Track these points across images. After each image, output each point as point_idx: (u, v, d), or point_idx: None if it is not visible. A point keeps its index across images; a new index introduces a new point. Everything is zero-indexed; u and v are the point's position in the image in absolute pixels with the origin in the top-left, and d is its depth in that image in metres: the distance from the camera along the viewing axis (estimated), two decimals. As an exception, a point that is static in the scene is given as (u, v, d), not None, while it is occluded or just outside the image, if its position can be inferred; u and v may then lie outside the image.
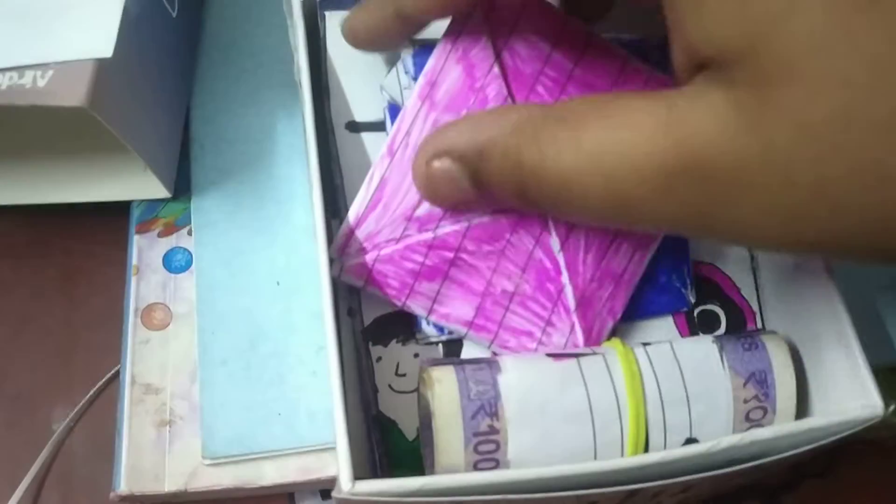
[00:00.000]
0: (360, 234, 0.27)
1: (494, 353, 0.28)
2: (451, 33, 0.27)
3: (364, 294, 0.28)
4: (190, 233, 0.34)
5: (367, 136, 0.30)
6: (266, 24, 0.39)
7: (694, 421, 0.25)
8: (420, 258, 0.27)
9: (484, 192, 0.24)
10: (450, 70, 0.27)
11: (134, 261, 0.34)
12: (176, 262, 0.34)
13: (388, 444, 0.28)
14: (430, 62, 0.27)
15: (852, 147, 0.17)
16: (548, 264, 0.28)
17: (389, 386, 0.29)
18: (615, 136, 0.20)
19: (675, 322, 0.31)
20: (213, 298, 0.33)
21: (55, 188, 0.35)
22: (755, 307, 0.31)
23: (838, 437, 0.25)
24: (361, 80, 0.31)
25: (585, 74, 0.28)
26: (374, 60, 0.31)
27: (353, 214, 0.27)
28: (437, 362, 0.26)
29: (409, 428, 0.28)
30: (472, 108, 0.27)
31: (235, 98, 0.37)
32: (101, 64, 0.29)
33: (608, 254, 0.28)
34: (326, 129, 0.29)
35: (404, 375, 0.29)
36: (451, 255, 0.27)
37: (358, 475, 0.22)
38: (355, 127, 0.31)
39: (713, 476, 0.24)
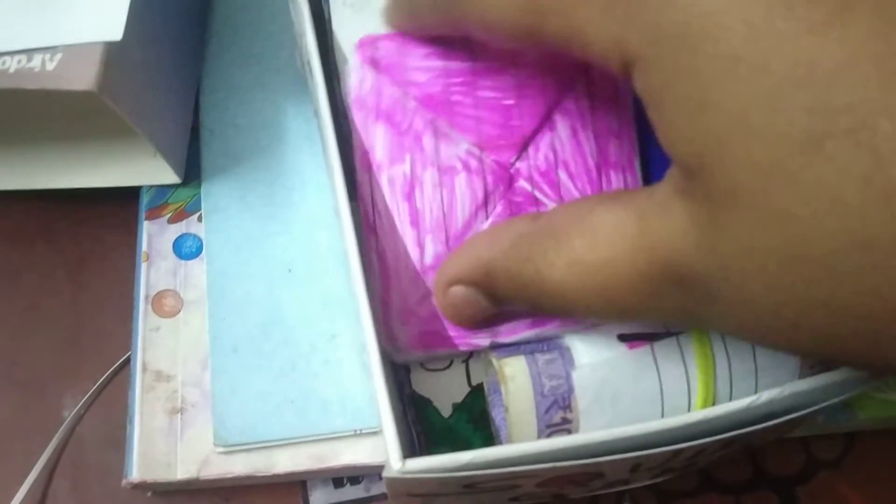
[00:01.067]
0: (395, 312, 0.27)
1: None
2: (356, 101, 0.27)
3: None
4: (200, 219, 0.34)
5: None
6: (275, 8, 0.38)
7: (759, 390, 0.25)
8: None
9: (501, 305, 0.25)
10: (373, 131, 0.27)
11: (144, 247, 0.33)
12: (186, 249, 0.34)
13: (424, 423, 0.28)
14: (355, 137, 0.27)
15: (799, 283, 0.17)
16: None
17: (421, 364, 0.29)
18: (597, 253, 0.21)
19: None
20: (224, 285, 0.33)
21: (63, 174, 0.35)
22: None
23: (872, 384, 0.25)
24: None
25: (486, 63, 0.28)
26: None
27: (378, 301, 0.27)
28: (507, 351, 0.26)
29: (445, 405, 0.28)
30: (412, 148, 0.27)
31: (245, 83, 0.36)
32: (110, 47, 0.28)
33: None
34: (338, 111, 0.28)
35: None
36: None
37: (404, 455, 0.22)
38: None
39: (756, 430, 0.24)
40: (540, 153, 0.28)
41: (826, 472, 0.35)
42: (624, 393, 0.25)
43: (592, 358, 0.25)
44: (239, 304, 0.32)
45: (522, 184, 0.28)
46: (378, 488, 0.33)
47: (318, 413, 0.31)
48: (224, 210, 0.34)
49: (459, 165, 0.27)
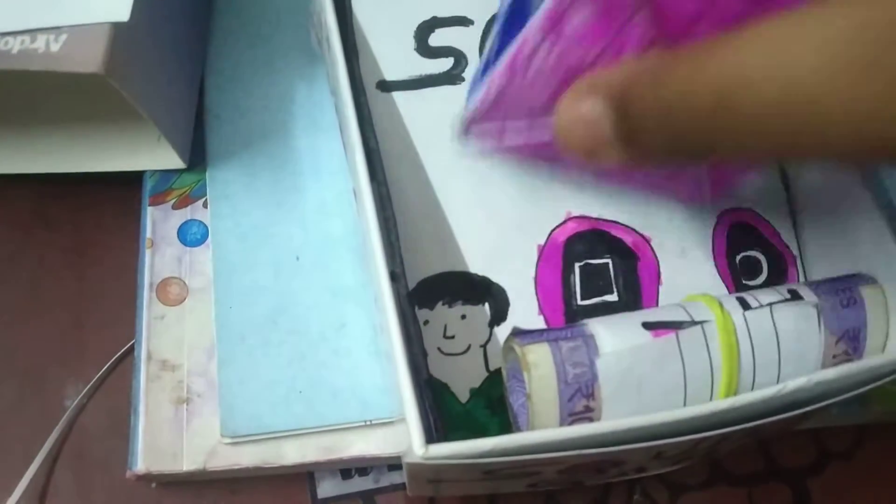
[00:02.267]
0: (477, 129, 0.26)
1: None
2: None
3: (407, 257, 0.27)
4: (205, 205, 0.33)
5: (398, 96, 0.30)
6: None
7: (781, 379, 0.25)
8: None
9: (627, 138, 0.21)
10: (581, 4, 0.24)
11: (148, 233, 0.33)
12: (191, 235, 0.33)
13: (441, 409, 0.28)
14: None
15: None
16: None
17: (438, 349, 0.28)
18: (796, 31, 0.17)
19: (716, 267, 0.30)
20: (230, 273, 0.32)
21: (64, 158, 0.34)
22: (795, 251, 0.31)
23: None
24: (389, 38, 0.30)
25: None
26: (403, 17, 0.30)
27: (469, 112, 0.26)
28: (530, 338, 0.25)
29: (462, 390, 0.28)
30: (609, 45, 0.24)
31: (251, 66, 0.36)
32: (117, 28, 0.27)
33: None
34: (357, 90, 0.28)
35: (452, 338, 0.28)
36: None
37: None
38: (386, 86, 0.30)
39: (780, 420, 0.23)
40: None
41: (838, 463, 0.34)
42: (648, 381, 0.24)
43: (617, 346, 0.24)
44: (246, 293, 0.32)
45: None
46: (387, 479, 0.33)
47: (328, 403, 0.30)
48: (230, 196, 0.33)
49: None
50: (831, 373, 0.23)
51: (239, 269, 0.32)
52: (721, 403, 0.22)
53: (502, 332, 0.29)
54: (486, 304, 0.29)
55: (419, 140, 0.30)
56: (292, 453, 0.30)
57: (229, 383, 0.30)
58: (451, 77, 0.30)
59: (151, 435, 0.30)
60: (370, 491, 0.33)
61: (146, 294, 0.32)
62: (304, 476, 0.33)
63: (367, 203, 0.24)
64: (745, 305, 0.26)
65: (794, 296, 0.26)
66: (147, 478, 0.30)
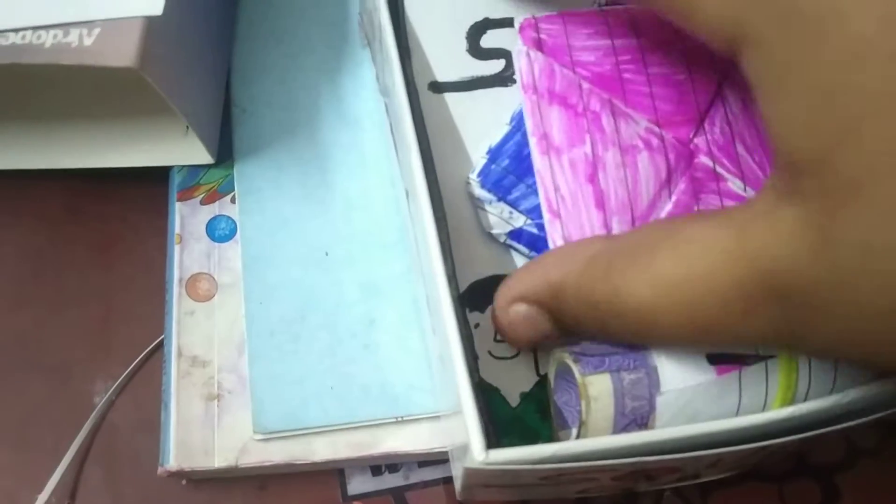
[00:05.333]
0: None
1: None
2: (526, 87, 0.27)
3: (457, 259, 0.28)
4: (233, 200, 0.33)
5: (450, 97, 0.30)
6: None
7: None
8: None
9: (564, 328, 0.25)
10: (548, 115, 0.27)
11: (177, 229, 0.32)
12: (220, 231, 0.33)
13: (492, 413, 0.27)
14: (529, 122, 0.27)
15: None
16: None
17: (489, 353, 0.28)
18: (688, 269, 0.20)
19: None
20: (259, 268, 0.32)
21: (91, 153, 0.34)
22: None
23: None
24: (441, 39, 0.30)
25: (652, 38, 0.28)
26: (455, 18, 0.30)
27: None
28: (591, 366, 0.24)
29: (512, 394, 0.28)
30: (591, 128, 0.27)
31: (277, 61, 0.35)
32: (150, 22, 0.27)
33: None
34: (411, 91, 0.28)
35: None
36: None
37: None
38: (438, 87, 0.30)
39: (837, 430, 0.23)
40: (716, 127, 0.28)
41: (867, 460, 0.34)
42: (702, 413, 0.24)
43: (679, 384, 0.24)
44: (275, 288, 0.32)
45: (703, 159, 0.28)
46: (417, 476, 0.33)
47: (358, 399, 0.30)
48: (258, 191, 0.33)
49: (641, 144, 0.27)
50: (890, 384, 0.23)
51: (267, 264, 0.32)
52: (782, 412, 0.22)
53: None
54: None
55: (469, 140, 0.30)
56: (323, 449, 0.30)
57: (260, 379, 0.30)
58: (503, 79, 0.30)
59: (183, 431, 0.30)
60: (400, 488, 0.32)
61: (175, 289, 0.32)
62: (335, 472, 0.32)
63: (424, 204, 0.24)
64: None
65: None
66: (179, 474, 0.30)
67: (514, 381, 0.28)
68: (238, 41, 0.36)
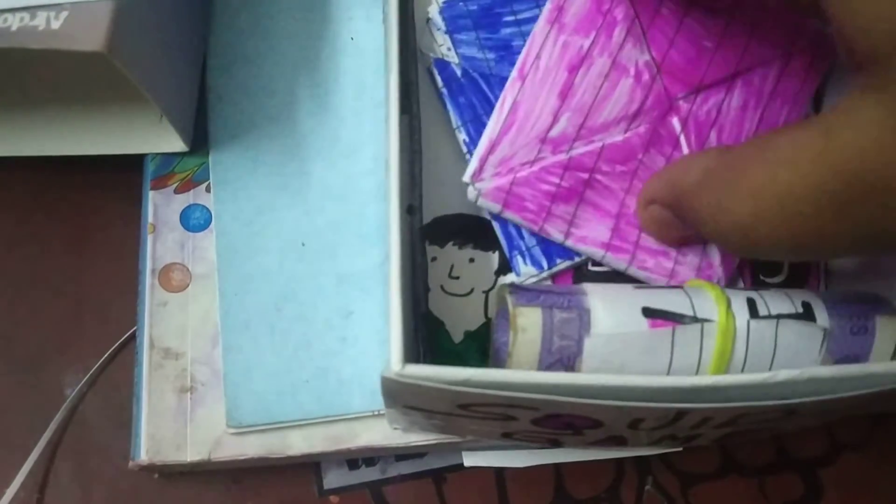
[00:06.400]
0: (495, 158, 0.28)
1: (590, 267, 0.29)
2: None
3: (428, 192, 0.29)
4: (208, 189, 0.32)
5: (444, 35, 0.31)
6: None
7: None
8: (556, 179, 0.28)
9: (692, 230, 0.26)
10: None
11: (150, 218, 0.32)
12: (194, 220, 0.32)
13: (433, 344, 0.28)
14: None
15: None
16: None
17: (441, 287, 0.29)
18: (777, 180, 0.21)
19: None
20: (234, 259, 0.31)
21: (62, 140, 0.33)
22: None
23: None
24: None
25: None
26: None
27: (486, 139, 0.28)
28: (525, 298, 0.25)
29: (457, 330, 0.28)
30: (601, 29, 0.28)
31: (254, 47, 0.35)
32: (119, 5, 0.26)
33: None
34: (406, 22, 0.28)
35: (457, 278, 0.29)
36: (586, 175, 0.28)
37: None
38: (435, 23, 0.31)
39: (763, 407, 0.23)
40: (706, 106, 0.28)
41: (850, 454, 0.34)
42: (630, 367, 0.24)
43: (610, 329, 0.24)
44: (250, 279, 0.31)
45: (675, 122, 0.28)
46: (394, 470, 0.32)
47: (335, 393, 0.30)
48: (234, 180, 0.32)
49: (632, 70, 0.28)
50: (825, 370, 0.22)
51: (243, 254, 0.31)
52: (704, 379, 0.22)
53: (506, 281, 0.29)
54: (497, 253, 0.29)
55: None
56: (299, 443, 0.29)
57: (234, 372, 0.30)
58: None
59: (154, 425, 0.29)
60: (377, 482, 0.32)
61: (148, 280, 0.31)
62: (311, 466, 0.32)
63: (392, 127, 0.25)
64: (754, 311, 0.25)
65: (807, 311, 0.26)
66: (150, 468, 0.29)
67: (462, 319, 0.28)
68: (214, 27, 0.35)
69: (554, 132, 0.28)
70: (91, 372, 0.32)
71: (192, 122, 0.33)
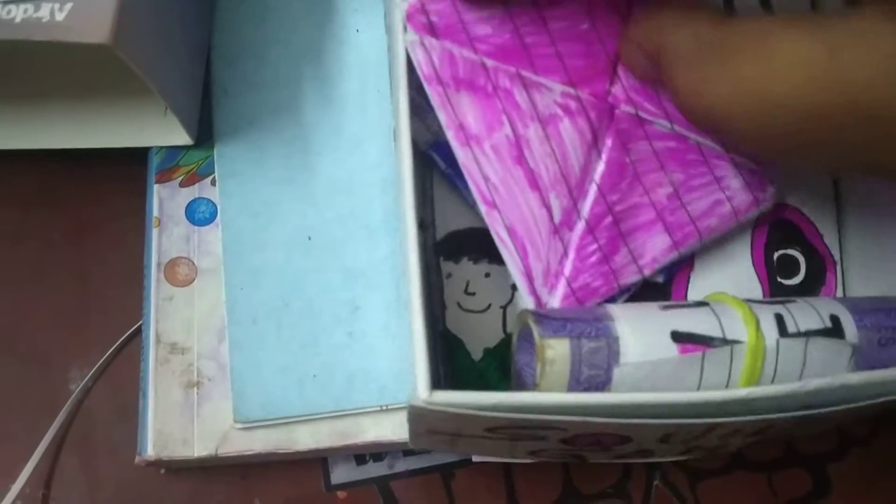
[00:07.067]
0: (538, 281, 0.27)
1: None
2: (429, 78, 0.25)
3: (441, 207, 0.28)
4: (213, 182, 0.32)
5: None
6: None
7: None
8: (594, 246, 0.27)
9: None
10: (459, 103, 0.26)
11: (155, 212, 0.31)
12: (199, 214, 0.32)
13: (452, 363, 0.27)
14: (441, 115, 0.26)
15: None
16: (675, 145, 0.28)
17: (458, 304, 0.28)
18: (770, 84, 0.20)
19: (752, 260, 0.29)
20: (240, 253, 0.31)
21: (67, 133, 0.32)
22: (836, 256, 0.30)
23: None
24: None
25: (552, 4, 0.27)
26: None
27: (518, 274, 0.26)
28: (551, 328, 0.24)
29: (476, 348, 0.28)
30: (505, 107, 0.26)
31: (259, 39, 0.34)
32: (124, -4, 0.26)
33: None
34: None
35: (473, 294, 0.28)
36: (609, 218, 0.27)
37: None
38: None
39: (795, 417, 0.23)
40: (631, 78, 0.27)
41: (858, 450, 0.34)
42: (660, 388, 0.24)
43: (639, 357, 0.24)
44: (257, 274, 0.31)
45: (624, 108, 0.27)
46: (402, 465, 0.32)
47: (342, 388, 0.30)
48: (239, 174, 0.32)
49: (560, 111, 0.26)
50: (856, 377, 0.22)
51: (249, 248, 0.31)
52: (736, 392, 0.21)
53: (523, 295, 0.28)
54: None
55: None
56: (306, 439, 0.29)
57: (241, 367, 0.30)
58: None
59: (161, 420, 0.29)
60: (384, 477, 0.32)
61: (154, 274, 0.31)
62: (318, 462, 0.32)
63: (404, 143, 0.24)
64: (783, 328, 0.24)
65: (836, 326, 0.25)
66: (157, 464, 0.29)
67: (480, 336, 0.28)
68: (219, 19, 0.35)
69: (556, 217, 0.27)
70: (97, 366, 0.32)
71: (197, 116, 0.33)
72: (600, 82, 0.27)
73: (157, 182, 0.32)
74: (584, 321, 0.24)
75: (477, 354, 0.28)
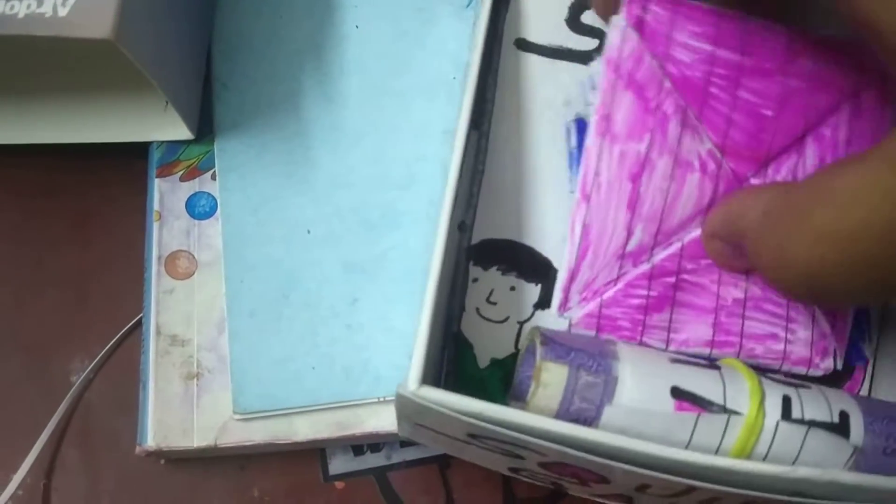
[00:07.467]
0: (578, 285, 0.27)
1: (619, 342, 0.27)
2: (610, 62, 0.26)
3: (482, 213, 0.28)
4: (214, 177, 0.32)
5: (532, 58, 0.30)
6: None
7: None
8: (644, 291, 0.27)
9: (746, 262, 0.26)
10: (620, 99, 0.26)
11: (156, 206, 0.32)
12: (200, 208, 0.32)
13: (458, 365, 0.27)
14: (599, 97, 0.26)
15: None
16: None
17: (477, 309, 0.28)
18: (845, 216, 0.19)
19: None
20: (240, 246, 0.31)
21: (68, 128, 0.33)
22: (868, 354, 0.29)
23: None
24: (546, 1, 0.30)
25: (755, 62, 0.26)
26: None
27: (565, 267, 0.27)
28: (555, 352, 0.24)
29: (484, 355, 0.28)
30: (655, 129, 0.26)
31: (259, 35, 0.35)
32: (126, -8, 0.27)
33: None
34: (493, 40, 0.27)
35: (495, 304, 0.28)
36: (672, 279, 0.27)
37: (424, 381, 0.22)
38: (524, 45, 0.30)
39: (778, 501, 0.22)
40: (779, 176, 0.27)
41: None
42: (647, 440, 0.23)
43: (633, 402, 0.23)
44: (256, 267, 0.31)
45: None
46: (399, 456, 0.32)
47: (340, 379, 0.30)
48: (239, 168, 0.32)
49: (697, 163, 0.26)
50: (848, 477, 0.22)
51: (249, 242, 0.31)
52: (721, 460, 0.21)
53: (543, 316, 0.28)
54: (539, 286, 0.29)
55: (535, 107, 0.30)
56: (304, 429, 0.30)
57: (240, 359, 0.30)
58: (589, 58, 0.30)
59: (161, 411, 0.29)
60: (382, 468, 0.32)
61: (154, 267, 0.31)
62: (316, 452, 0.32)
63: (458, 140, 0.24)
64: (787, 411, 0.24)
65: (843, 423, 0.24)
66: (157, 454, 0.29)
67: (491, 345, 0.28)
68: (219, 14, 0.35)
69: (631, 246, 0.26)
70: (97, 359, 0.32)
71: (198, 110, 0.33)
72: (748, 166, 0.27)
73: (157, 176, 0.32)
74: (589, 354, 0.24)
75: (483, 362, 0.28)
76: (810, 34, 0.27)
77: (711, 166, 0.26)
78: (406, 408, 0.23)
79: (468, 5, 0.34)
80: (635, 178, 0.26)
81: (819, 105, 0.27)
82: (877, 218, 0.19)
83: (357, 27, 0.34)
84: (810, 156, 0.27)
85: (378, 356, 0.30)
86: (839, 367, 0.28)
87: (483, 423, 0.21)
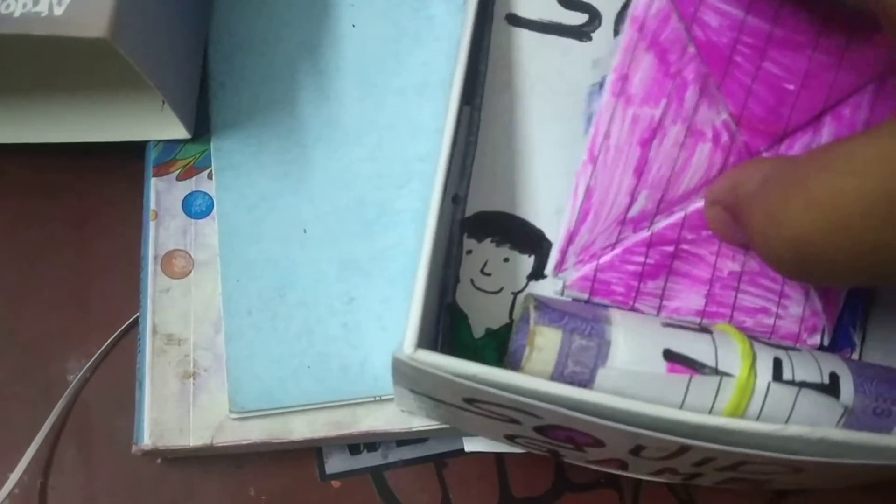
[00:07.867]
0: (575, 247, 0.27)
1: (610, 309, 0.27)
2: (636, 20, 0.26)
3: (476, 185, 0.28)
4: (210, 176, 0.33)
5: (523, 33, 0.30)
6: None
7: None
8: (640, 258, 0.27)
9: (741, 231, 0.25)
10: (640, 60, 0.26)
11: (152, 205, 0.32)
12: (196, 207, 0.32)
13: (454, 335, 0.28)
14: (618, 56, 0.26)
15: None
16: None
17: (471, 280, 0.28)
18: (842, 185, 0.19)
19: None
20: (236, 245, 0.31)
21: (65, 127, 0.33)
22: (857, 340, 0.29)
23: None
24: None
25: (786, 33, 0.26)
26: None
27: (564, 228, 0.27)
28: (549, 316, 0.24)
29: (478, 326, 0.28)
30: (672, 95, 0.26)
31: (256, 33, 0.35)
32: (122, -9, 0.27)
33: None
34: (485, 15, 0.27)
35: (489, 275, 0.28)
36: (671, 248, 0.27)
37: (420, 347, 0.22)
38: (515, 20, 0.30)
39: (768, 458, 0.22)
40: (792, 152, 0.26)
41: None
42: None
43: (626, 365, 0.24)
44: (252, 266, 0.31)
45: None
46: (396, 455, 0.32)
47: (337, 378, 0.30)
48: (236, 167, 0.32)
49: (709, 133, 0.26)
50: (838, 434, 0.22)
51: (245, 241, 0.31)
52: (713, 419, 0.22)
53: (537, 287, 0.29)
54: (532, 257, 0.29)
55: (527, 81, 0.30)
56: (301, 428, 0.30)
57: (237, 358, 0.30)
58: (580, 33, 0.30)
59: (157, 410, 0.29)
60: (379, 467, 0.32)
61: (151, 266, 0.31)
62: (313, 451, 0.32)
63: (451, 114, 0.24)
64: (778, 373, 0.24)
65: (833, 384, 0.25)
66: (153, 453, 0.29)
67: (486, 316, 0.28)
68: (215, 13, 0.35)
69: (633, 212, 0.26)
70: (94, 358, 0.32)
71: (194, 109, 0.33)
72: (762, 139, 0.26)
73: (154, 176, 0.32)
74: (582, 318, 0.25)
75: (478, 332, 0.28)
76: (847, 11, 0.26)
77: (724, 138, 0.26)
78: (403, 374, 0.23)
79: (464, 4, 0.34)
80: (645, 144, 0.26)
81: (843, 84, 0.26)
82: (870, 187, 0.18)
83: (353, 26, 0.34)
84: (826, 135, 0.26)
85: (375, 355, 0.30)
86: (825, 343, 0.28)
87: (478, 385, 0.22)
